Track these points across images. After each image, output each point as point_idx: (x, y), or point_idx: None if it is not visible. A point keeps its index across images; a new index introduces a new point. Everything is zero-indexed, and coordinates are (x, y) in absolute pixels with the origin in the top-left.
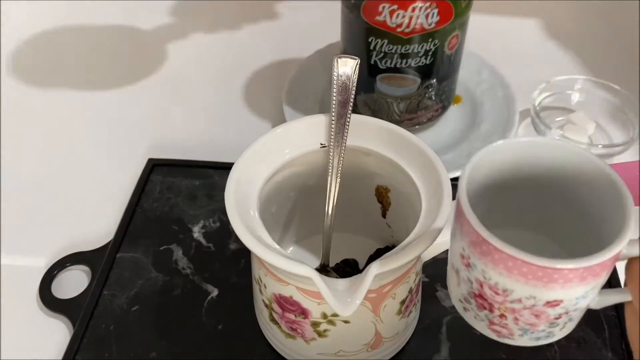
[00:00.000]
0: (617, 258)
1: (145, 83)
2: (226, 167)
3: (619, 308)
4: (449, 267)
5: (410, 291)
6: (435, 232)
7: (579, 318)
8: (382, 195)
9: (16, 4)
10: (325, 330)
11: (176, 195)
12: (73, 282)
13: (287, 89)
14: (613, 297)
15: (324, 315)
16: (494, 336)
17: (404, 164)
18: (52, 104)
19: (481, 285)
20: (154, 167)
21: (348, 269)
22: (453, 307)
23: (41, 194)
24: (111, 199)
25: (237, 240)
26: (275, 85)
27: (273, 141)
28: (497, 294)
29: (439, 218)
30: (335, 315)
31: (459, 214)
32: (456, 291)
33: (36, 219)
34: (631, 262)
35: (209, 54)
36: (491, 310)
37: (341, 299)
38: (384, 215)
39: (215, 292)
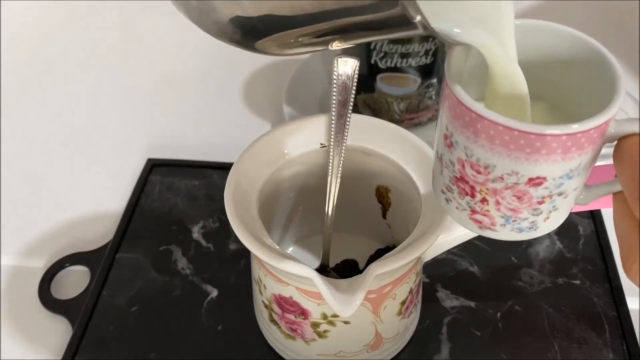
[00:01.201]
0: (603, 131)
1: (145, 83)
2: (226, 167)
3: (619, 308)
4: (434, 160)
5: (411, 292)
6: (436, 232)
7: (565, 211)
8: (382, 196)
9: (16, 4)
10: (325, 331)
11: (175, 196)
12: (72, 283)
13: (287, 89)
14: (601, 190)
15: (324, 316)
16: (475, 228)
17: (404, 164)
18: (51, 103)
19: (463, 166)
20: (153, 167)
21: (348, 269)
22: (453, 307)
23: (40, 194)
24: (110, 199)
25: (237, 240)
26: (275, 85)
27: (273, 141)
28: (478, 172)
29: (440, 218)
30: (335, 315)
31: (444, 90)
32: (439, 180)
33: (35, 219)
34: (619, 141)
35: (208, 53)
36: (472, 195)
37: (341, 300)
38: (384, 216)
39: (214, 293)
